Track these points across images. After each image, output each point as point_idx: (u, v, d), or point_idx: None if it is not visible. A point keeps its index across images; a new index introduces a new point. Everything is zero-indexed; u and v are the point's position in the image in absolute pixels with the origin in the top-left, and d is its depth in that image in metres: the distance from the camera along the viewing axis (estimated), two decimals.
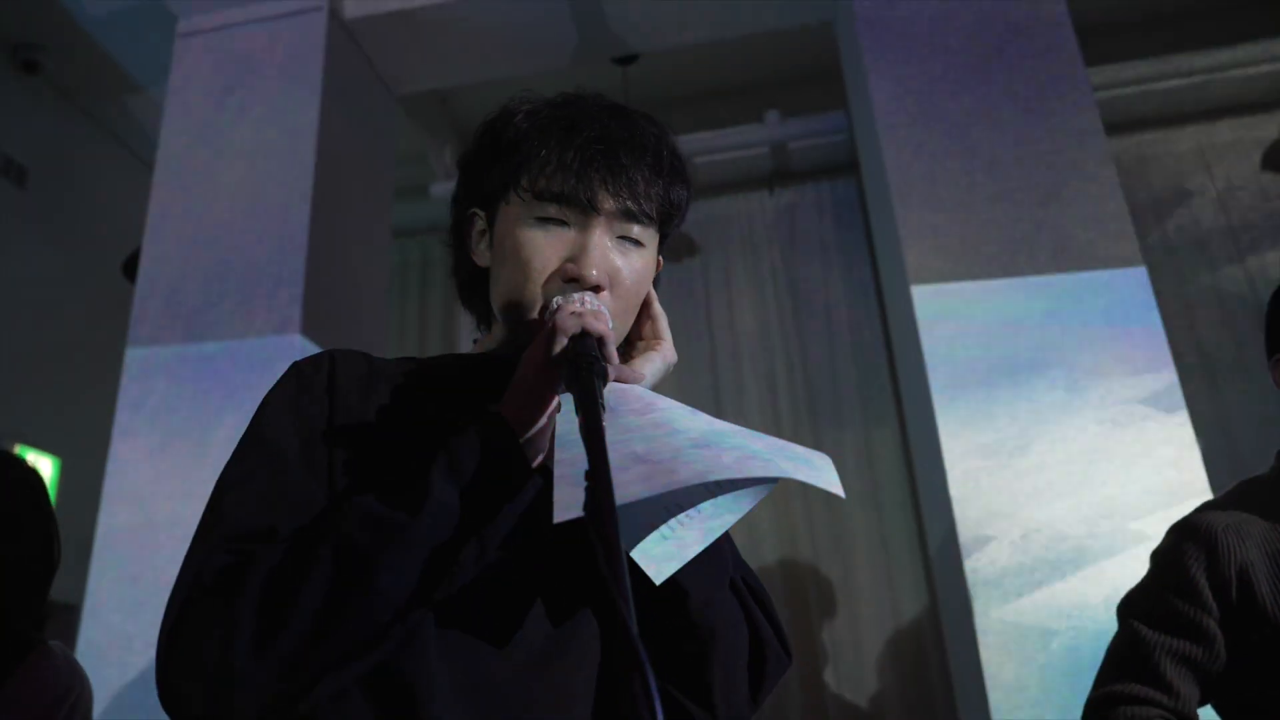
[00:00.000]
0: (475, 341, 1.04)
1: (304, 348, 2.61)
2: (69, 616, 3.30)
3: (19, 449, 3.50)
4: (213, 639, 0.72)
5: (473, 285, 1.00)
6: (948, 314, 2.37)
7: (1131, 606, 1.33)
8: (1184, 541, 1.29)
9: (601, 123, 0.91)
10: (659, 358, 0.91)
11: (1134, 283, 2.36)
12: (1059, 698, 1.96)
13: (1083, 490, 2.15)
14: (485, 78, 3.68)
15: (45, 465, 3.63)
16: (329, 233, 2.85)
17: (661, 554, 0.79)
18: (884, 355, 3.90)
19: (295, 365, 0.92)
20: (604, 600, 0.57)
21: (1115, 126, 3.07)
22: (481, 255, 0.96)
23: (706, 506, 0.79)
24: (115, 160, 4.38)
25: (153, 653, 2.22)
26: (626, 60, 3.88)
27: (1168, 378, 2.25)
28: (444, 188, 4.29)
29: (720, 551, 0.84)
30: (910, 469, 3.34)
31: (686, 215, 0.98)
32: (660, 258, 0.99)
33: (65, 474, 3.71)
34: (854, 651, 3.59)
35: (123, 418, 2.59)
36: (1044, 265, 2.39)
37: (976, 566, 2.10)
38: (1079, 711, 1.29)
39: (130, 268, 3.89)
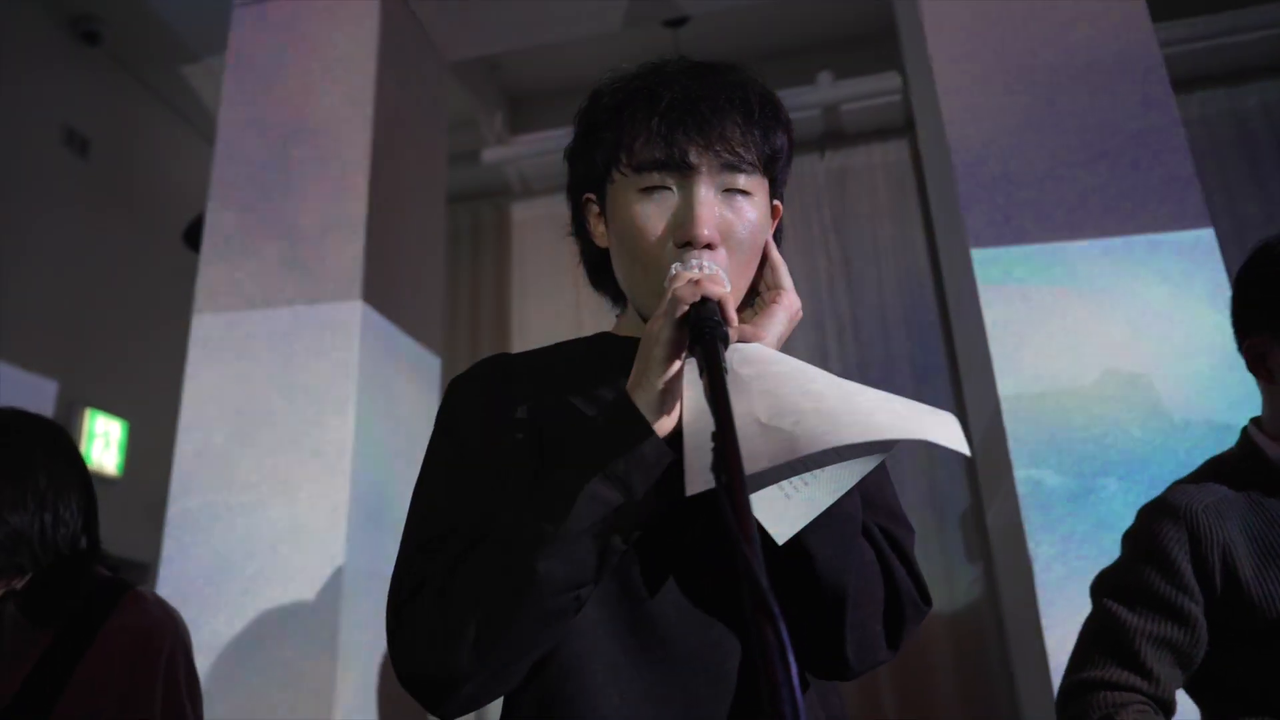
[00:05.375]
0: (618, 316, 1.07)
1: (365, 314, 2.66)
2: (140, 574, 3.42)
3: (89, 413, 3.61)
4: (418, 644, 0.82)
5: (599, 267, 1.04)
6: (1008, 278, 2.35)
7: (1107, 586, 1.28)
8: (1162, 521, 1.24)
9: (682, 84, 0.92)
10: (781, 310, 0.92)
11: (1201, 244, 2.32)
12: None
13: (1146, 451, 2.13)
14: (535, 43, 3.67)
15: (115, 429, 3.74)
16: (387, 199, 2.89)
17: (784, 515, 0.80)
18: (938, 320, 3.87)
19: (453, 381, 1.01)
20: (735, 558, 0.59)
21: (1180, 83, 2.99)
22: (601, 237, 1.00)
23: (830, 467, 0.80)
24: (174, 130, 4.45)
25: (229, 614, 2.28)
26: (677, 23, 3.86)
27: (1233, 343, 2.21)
28: (495, 153, 4.31)
29: (845, 511, 0.85)
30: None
31: (791, 157, 0.99)
32: (778, 204, 1.00)
33: (133, 437, 3.82)
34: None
35: (191, 383, 2.66)
36: (1109, 227, 2.35)
37: (1037, 542, 2.10)
38: None
39: (191, 236, 3.97)
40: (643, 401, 0.81)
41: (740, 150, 0.91)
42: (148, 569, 3.39)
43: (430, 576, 0.83)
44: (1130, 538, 1.31)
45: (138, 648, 1.38)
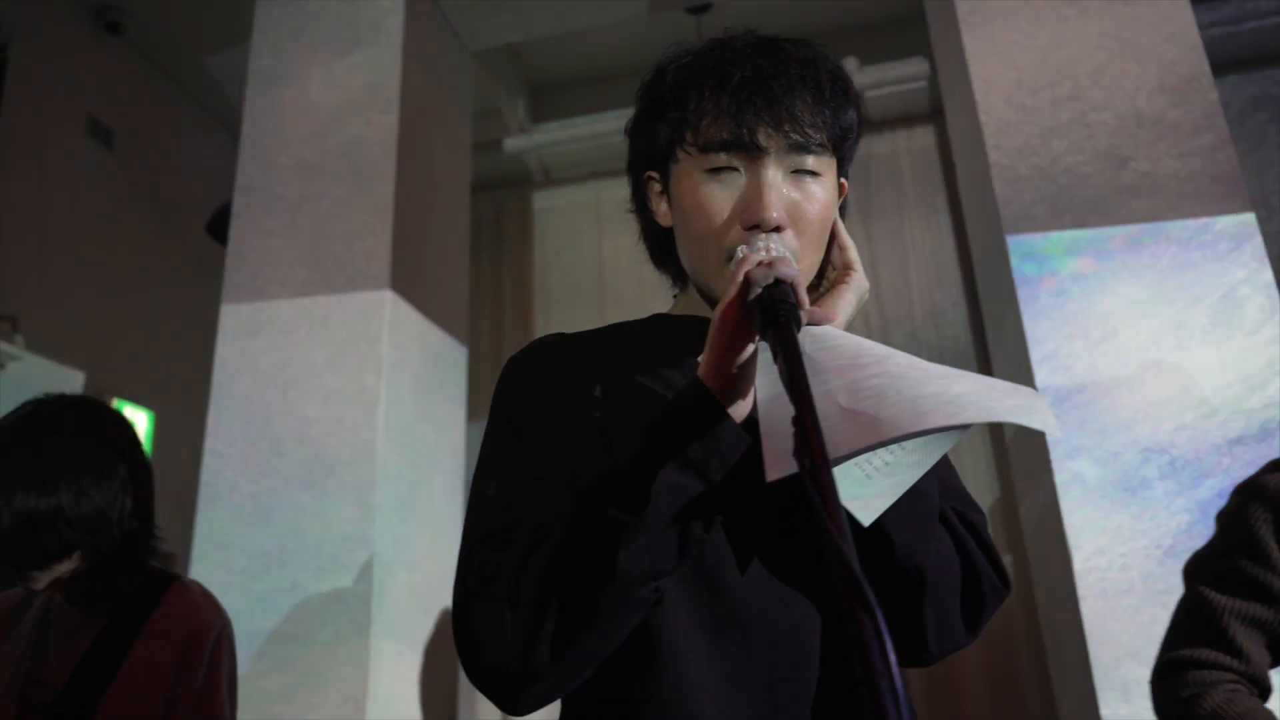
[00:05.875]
0: (675, 297, 1.05)
1: (394, 303, 2.65)
2: (167, 564, 3.43)
3: (116, 403, 3.62)
4: (489, 639, 0.79)
5: (661, 246, 1.01)
6: (1044, 266, 2.31)
7: (1197, 570, 1.31)
8: (1250, 503, 1.26)
9: (752, 61, 0.89)
10: (850, 291, 0.90)
11: (1242, 229, 2.28)
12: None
13: (1187, 440, 2.10)
14: (557, 30, 3.65)
15: (140, 419, 3.75)
16: (413, 188, 2.88)
17: (865, 497, 0.78)
18: (964, 307, 3.84)
19: (509, 362, 0.97)
20: (823, 544, 0.57)
21: (1220, 67, 2.94)
22: (664, 216, 0.97)
23: (909, 446, 0.78)
24: (196, 120, 4.45)
25: (259, 604, 2.27)
26: (700, 9, 3.82)
27: (1277, 329, 2.18)
28: (517, 142, 4.29)
29: (923, 493, 0.83)
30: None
31: (860, 134, 0.96)
32: (844, 182, 0.97)
33: (159, 427, 3.83)
34: None
35: (220, 372, 2.65)
36: (1147, 212, 2.32)
37: (1078, 534, 2.07)
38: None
39: (214, 226, 3.96)
40: (716, 386, 0.79)
41: (810, 131, 0.88)
42: (175, 559, 3.40)
43: (499, 570, 0.80)
44: (1221, 517, 1.33)
45: (185, 639, 1.38)
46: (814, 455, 0.64)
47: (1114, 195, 2.35)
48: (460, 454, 2.99)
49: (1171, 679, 1.23)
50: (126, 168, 3.98)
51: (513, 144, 4.28)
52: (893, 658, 0.53)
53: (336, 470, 2.47)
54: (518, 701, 0.79)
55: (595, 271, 4.27)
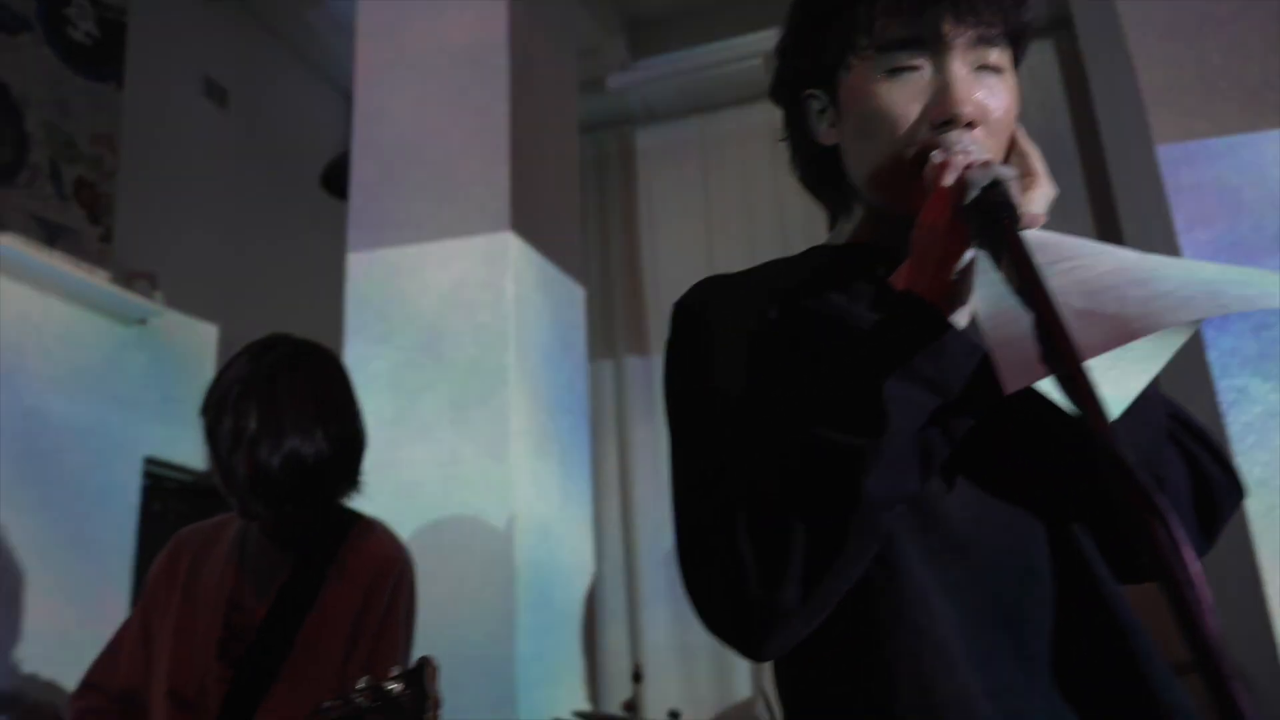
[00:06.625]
0: (830, 229, 1.00)
1: (516, 245, 2.66)
2: None
3: None
4: (730, 585, 0.75)
5: (820, 170, 0.96)
6: (1199, 174, 2.17)
7: None
8: None
9: None
10: (1041, 196, 0.84)
11: None
12: None
13: None
14: None
15: None
16: (526, 129, 2.86)
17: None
18: (1092, 232, 3.68)
19: (676, 305, 0.93)
20: (1097, 452, 0.54)
21: None
22: (827, 134, 0.92)
23: (1135, 347, 0.73)
24: (302, 76, 4.52)
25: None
26: None
27: None
28: (618, 80, 4.23)
29: (1151, 397, 0.79)
30: None
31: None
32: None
33: None
34: None
35: (352, 319, 2.71)
36: None
37: (1246, 460, 1.96)
38: None
39: (329, 179, 4.05)
40: (931, 299, 0.75)
41: (993, 20, 0.83)
42: None
43: (728, 516, 0.76)
44: None
45: (371, 576, 1.43)
46: (1067, 360, 0.60)
47: (1270, 97, 2.19)
48: (583, 394, 3.01)
49: None
50: (241, 125, 4.08)
51: (615, 82, 4.23)
52: (1196, 565, 0.50)
53: (471, 413, 2.51)
54: (766, 644, 0.76)
55: (702, 207, 4.21)
